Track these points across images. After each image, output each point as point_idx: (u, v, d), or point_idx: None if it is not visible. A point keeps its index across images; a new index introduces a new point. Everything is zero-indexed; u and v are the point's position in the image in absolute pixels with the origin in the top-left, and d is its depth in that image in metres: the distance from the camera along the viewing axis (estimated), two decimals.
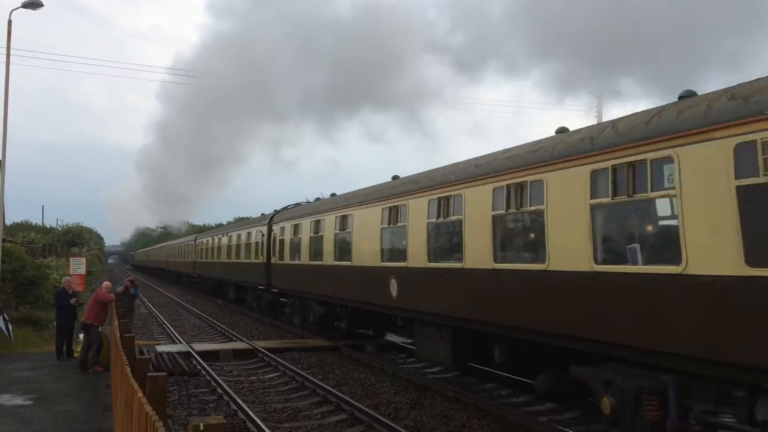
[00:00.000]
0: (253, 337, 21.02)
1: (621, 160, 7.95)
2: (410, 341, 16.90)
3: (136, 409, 5.61)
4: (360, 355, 16.72)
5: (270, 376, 15.10)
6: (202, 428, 3.51)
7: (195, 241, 44.77)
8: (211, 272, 38.48)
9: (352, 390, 13.20)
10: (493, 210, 10.54)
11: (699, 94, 7.72)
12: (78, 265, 23.49)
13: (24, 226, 57.79)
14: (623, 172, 7.92)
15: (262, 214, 28.73)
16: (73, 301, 16.59)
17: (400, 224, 13.83)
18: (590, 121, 38.28)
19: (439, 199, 12.18)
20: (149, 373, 6.42)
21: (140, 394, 5.64)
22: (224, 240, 34.09)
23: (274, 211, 26.24)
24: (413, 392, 12.77)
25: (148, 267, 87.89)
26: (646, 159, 7.61)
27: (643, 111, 8.42)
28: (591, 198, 8.44)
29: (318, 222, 19.19)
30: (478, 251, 10.91)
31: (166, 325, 24.85)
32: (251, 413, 10.80)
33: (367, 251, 15.46)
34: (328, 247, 18.18)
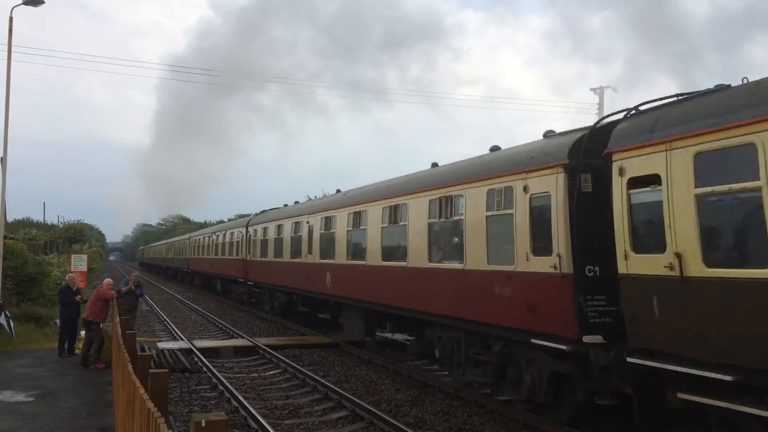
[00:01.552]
0: (254, 335, 21.04)
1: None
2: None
3: (138, 405, 5.62)
4: (361, 352, 16.73)
5: (271, 373, 15.12)
6: (204, 425, 3.51)
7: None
8: None
9: (353, 387, 13.22)
10: None
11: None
12: (79, 262, 23.49)
13: (25, 223, 57.80)
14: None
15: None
16: (78, 298, 16.61)
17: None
18: (591, 117, 38.19)
19: None
20: (151, 370, 6.42)
21: (142, 391, 5.65)
22: None
23: None
24: (414, 389, 12.78)
25: (179, 271, 59.91)
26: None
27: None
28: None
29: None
30: None
31: (167, 321, 24.88)
32: (252, 410, 10.82)
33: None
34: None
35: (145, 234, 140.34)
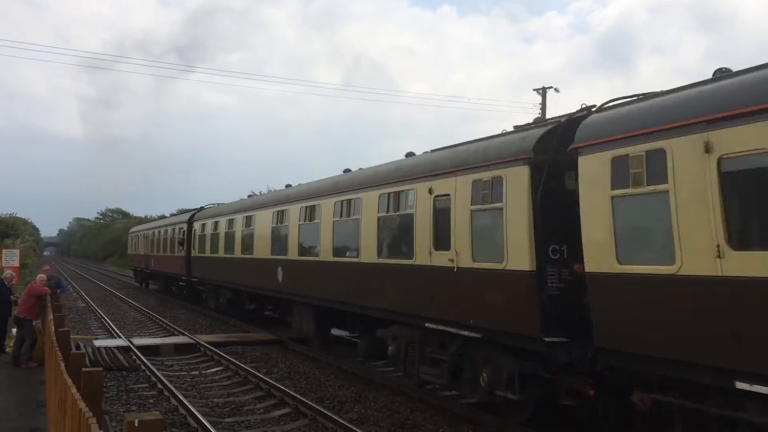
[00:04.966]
0: (195, 332, 20.65)
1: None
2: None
3: (70, 405, 5.43)
4: (305, 349, 16.63)
5: (212, 370, 14.87)
6: (137, 424, 3.40)
7: None
8: None
9: (297, 384, 13.12)
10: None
11: None
12: (11, 257, 22.62)
13: None
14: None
15: None
16: (12, 297, 15.97)
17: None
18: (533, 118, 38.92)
19: None
20: (84, 369, 6.21)
21: (74, 390, 5.46)
22: None
23: None
24: (358, 385, 12.77)
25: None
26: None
27: None
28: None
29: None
30: None
31: (104, 319, 24.13)
32: (192, 408, 10.61)
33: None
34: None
35: (82, 228, 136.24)
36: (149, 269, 38.83)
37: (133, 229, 51.60)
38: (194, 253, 27.72)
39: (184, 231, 29.25)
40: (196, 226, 27.94)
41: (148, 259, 38.58)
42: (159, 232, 35.98)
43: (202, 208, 29.36)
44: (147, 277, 41.84)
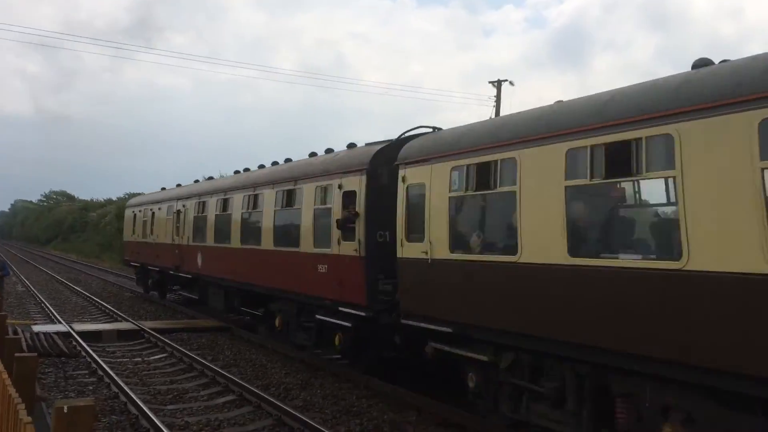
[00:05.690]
0: (140, 318, 20.24)
1: None
2: None
3: (0, 390, 5.24)
4: (252, 336, 16.48)
5: (156, 357, 14.61)
6: (66, 410, 3.29)
7: None
8: None
9: (243, 371, 13.00)
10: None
11: None
12: None
13: None
14: None
15: None
16: None
17: None
18: (488, 111, 39.23)
19: None
20: (17, 354, 6.02)
21: (5, 376, 5.28)
22: None
23: None
24: (304, 373, 12.72)
25: None
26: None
27: None
28: None
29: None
30: None
31: (44, 304, 23.44)
32: (133, 395, 10.40)
33: None
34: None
35: (25, 211, 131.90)
36: (186, 271, 21.21)
37: (134, 201, 31.37)
38: (427, 252, 9.67)
39: (355, 195, 11.91)
40: (425, 176, 9.98)
41: (186, 254, 21.06)
42: (228, 201, 17.90)
43: (407, 137, 11.84)
44: (167, 283, 24.77)
